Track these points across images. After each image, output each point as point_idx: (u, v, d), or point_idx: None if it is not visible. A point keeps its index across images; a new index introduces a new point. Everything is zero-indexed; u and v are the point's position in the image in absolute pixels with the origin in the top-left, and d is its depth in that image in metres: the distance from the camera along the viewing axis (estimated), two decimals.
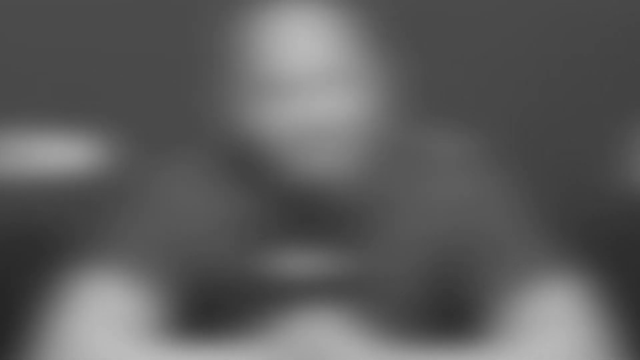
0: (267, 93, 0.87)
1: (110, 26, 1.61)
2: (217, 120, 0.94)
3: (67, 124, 1.63)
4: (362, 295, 0.97)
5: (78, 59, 1.61)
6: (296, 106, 0.87)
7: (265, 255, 0.96)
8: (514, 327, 0.90)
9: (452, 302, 0.99)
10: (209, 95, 0.95)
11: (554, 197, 1.58)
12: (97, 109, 1.63)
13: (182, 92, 1.55)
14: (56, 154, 1.64)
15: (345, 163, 0.89)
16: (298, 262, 0.96)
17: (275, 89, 0.87)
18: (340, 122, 0.87)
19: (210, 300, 0.98)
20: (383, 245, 0.96)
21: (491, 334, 0.92)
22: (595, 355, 0.87)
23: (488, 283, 0.93)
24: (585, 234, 1.57)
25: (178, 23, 1.59)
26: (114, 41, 1.61)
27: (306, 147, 0.87)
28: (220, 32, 0.92)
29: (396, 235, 0.97)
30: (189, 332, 0.97)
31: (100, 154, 1.64)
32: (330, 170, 0.89)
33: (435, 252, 0.97)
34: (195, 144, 1.02)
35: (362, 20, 0.91)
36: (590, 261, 0.99)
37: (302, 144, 0.87)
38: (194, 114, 1.10)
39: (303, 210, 0.94)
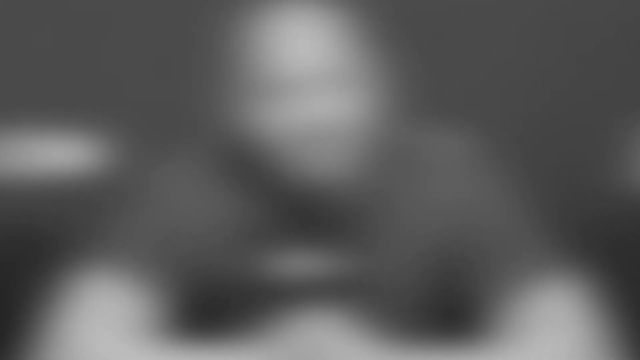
0: (267, 93, 0.87)
1: (110, 26, 1.61)
2: (216, 120, 0.94)
3: (67, 124, 1.63)
4: (362, 296, 0.97)
5: (78, 59, 1.61)
6: (296, 106, 0.87)
7: (265, 255, 0.96)
8: (514, 327, 0.90)
9: (452, 302, 0.99)
10: (208, 95, 0.95)
11: (555, 197, 1.58)
12: (97, 109, 1.63)
13: (182, 92, 1.55)
14: (56, 153, 1.64)
15: (345, 163, 0.89)
16: (298, 262, 0.96)
17: (275, 89, 0.87)
18: (340, 122, 0.87)
19: (210, 301, 0.98)
20: (383, 246, 0.96)
21: (491, 334, 0.92)
22: (596, 356, 0.87)
23: (488, 283, 0.93)
24: (585, 234, 1.57)
25: (178, 23, 1.59)
26: (114, 41, 1.61)
27: (306, 147, 0.87)
28: (220, 32, 0.92)
29: (396, 236, 0.97)
30: (189, 332, 0.97)
31: (100, 153, 1.64)
32: (330, 170, 0.89)
33: (435, 252, 0.97)
34: (195, 144, 1.02)
35: (362, 20, 0.91)
36: (591, 261, 0.99)
37: (302, 144, 0.87)
38: (193, 114, 1.11)
39: (303, 210, 0.95)
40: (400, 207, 0.97)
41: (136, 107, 1.61)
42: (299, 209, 0.94)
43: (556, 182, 1.64)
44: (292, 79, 0.87)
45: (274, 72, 0.87)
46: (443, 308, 1.00)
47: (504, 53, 1.64)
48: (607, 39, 1.65)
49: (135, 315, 0.90)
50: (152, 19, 1.60)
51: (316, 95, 0.87)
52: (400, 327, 0.98)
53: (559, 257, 0.93)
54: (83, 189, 1.64)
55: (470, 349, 0.87)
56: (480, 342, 0.89)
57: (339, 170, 0.89)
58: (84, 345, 0.87)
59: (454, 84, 1.62)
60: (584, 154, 1.67)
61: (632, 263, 1.64)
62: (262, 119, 0.88)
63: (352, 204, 0.95)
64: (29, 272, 1.58)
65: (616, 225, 1.66)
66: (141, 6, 1.60)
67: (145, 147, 1.61)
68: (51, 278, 0.96)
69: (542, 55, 1.65)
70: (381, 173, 0.96)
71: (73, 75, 1.61)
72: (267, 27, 0.88)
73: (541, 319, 0.89)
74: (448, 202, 0.97)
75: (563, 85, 1.65)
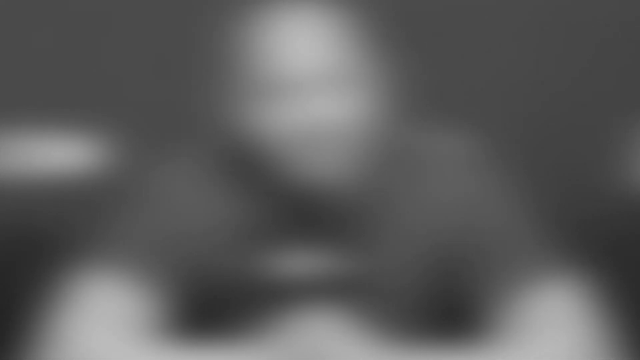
0: (267, 93, 0.87)
1: (110, 26, 1.61)
2: (217, 120, 0.94)
3: (67, 124, 1.63)
4: (362, 296, 0.97)
5: (78, 59, 1.61)
6: (296, 106, 0.87)
7: (265, 255, 0.96)
8: (514, 327, 0.90)
9: (452, 302, 0.99)
10: (208, 95, 0.95)
11: (555, 197, 1.58)
12: (97, 109, 1.63)
13: (182, 93, 1.55)
14: (56, 153, 1.64)
15: (345, 163, 0.89)
16: (298, 262, 0.96)
17: (275, 90, 0.87)
18: (340, 122, 0.87)
19: (210, 300, 0.98)
20: (383, 246, 0.96)
21: (491, 334, 0.92)
22: (596, 356, 0.87)
23: (488, 283, 0.93)
24: (585, 234, 1.57)
25: (178, 23, 1.59)
26: (114, 41, 1.61)
27: (306, 148, 0.87)
28: (220, 32, 0.92)
29: (396, 236, 0.97)
30: (189, 332, 0.97)
31: (100, 153, 1.64)
32: (330, 170, 0.89)
33: (435, 252, 0.97)
34: (195, 144, 1.02)
35: (362, 21, 0.91)
36: (591, 261, 0.99)
37: (302, 144, 0.87)
38: (193, 114, 1.11)
39: (303, 210, 0.95)
40: (400, 207, 0.97)
41: (136, 107, 1.61)
42: (299, 209, 0.94)
43: (556, 182, 1.64)
44: (292, 79, 0.87)
45: (274, 72, 0.87)
46: (443, 308, 1.00)
47: (504, 53, 1.64)
48: (607, 39, 1.65)
49: (135, 315, 0.90)
50: (152, 19, 1.60)
51: (316, 95, 0.87)
52: (400, 327, 0.98)
53: (559, 257, 0.93)
54: (83, 189, 1.64)
55: (470, 349, 0.87)
56: (480, 342, 0.89)
57: (338, 170, 0.89)
58: (83, 345, 0.87)
59: (453, 85, 1.62)
60: (584, 154, 1.67)
61: (632, 263, 1.64)
62: (262, 119, 0.88)
63: (352, 204, 0.95)
64: (29, 272, 1.58)
65: (616, 226, 1.66)
66: (141, 6, 1.60)
67: (145, 147, 1.61)
68: (51, 278, 0.96)
69: (542, 56, 1.65)
70: (381, 173, 0.96)
71: (73, 75, 1.61)
72: (267, 27, 0.88)
73: (541, 319, 0.89)
74: (448, 202, 0.97)
75: (563, 85, 1.65)
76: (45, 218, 1.62)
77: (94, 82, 1.61)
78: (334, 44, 0.88)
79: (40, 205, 1.63)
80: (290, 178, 0.90)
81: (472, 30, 1.63)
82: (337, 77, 0.87)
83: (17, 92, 1.62)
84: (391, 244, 0.96)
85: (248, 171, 0.95)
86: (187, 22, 1.58)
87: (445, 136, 1.01)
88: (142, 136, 1.62)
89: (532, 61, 1.65)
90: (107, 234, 0.95)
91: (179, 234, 0.95)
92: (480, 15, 1.63)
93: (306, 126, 0.87)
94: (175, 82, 1.57)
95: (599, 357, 0.87)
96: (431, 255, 0.97)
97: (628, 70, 1.66)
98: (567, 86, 1.65)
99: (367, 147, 0.91)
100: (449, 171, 0.98)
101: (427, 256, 0.97)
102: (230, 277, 0.97)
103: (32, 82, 1.61)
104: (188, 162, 1.00)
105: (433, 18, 1.61)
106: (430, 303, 0.99)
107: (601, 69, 1.65)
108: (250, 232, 0.96)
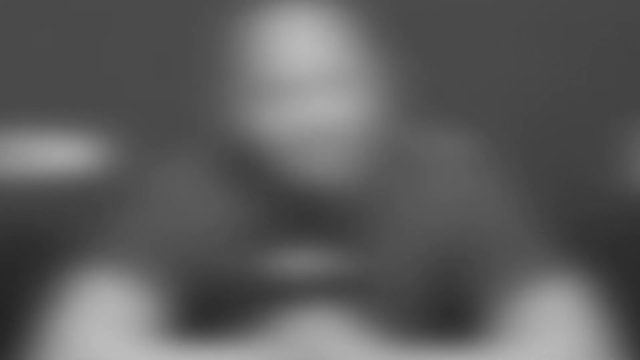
0: (267, 94, 0.87)
1: (110, 26, 1.61)
2: (217, 120, 0.94)
3: (67, 124, 1.63)
4: (362, 296, 0.97)
5: (78, 59, 1.61)
6: (296, 107, 0.87)
7: (265, 255, 0.96)
8: (514, 327, 0.90)
9: (452, 302, 0.99)
10: (208, 96, 0.95)
11: (554, 197, 1.58)
12: (97, 109, 1.63)
13: (182, 93, 1.55)
14: (56, 153, 1.64)
15: (345, 164, 0.89)
16: (298, 262, 0.96)
17: (275, 90, 0.87)
18: (340, 122, 0.87)
19: (210, 300, 0.98)
20: (383, 246, 0.96)
21: (491, 334, 0.92)
22: (596, 356, 0.87)
23: (488, 283, 0.93)
24: (585, 234, 1.57)
25: (178, 23, 1.59)
26: (114, 41, 1.61)
27: (306, 148, 0.87)
28: (220, 32, 0.92)
29: (396, 236, 0.97)
30: (189, 332, 0.97)
31: (100, 153, 1.64)
32: (330, 170, 0.89)
33: (435, 252, 0.97)
34: (195, 144, 1.02)
35: (361, 21, 0.91)
36: (590, 261, 0.99)
37: (302, 145, 0.87)
38: (193, 115, 1.11)
39: (303, 210, 0.95)
40: (400, 207, 0.97)
41: (136, 107, 1.61)
42: (299, 209, 0.94)
43: (556, 182, 1.64)
44: (292, 80, 0.87)
45: (274, 72, 0.87)
46: (443, 308, 1.00)
47: (504, 53, 1.64)
48: (606, 39, 1.65)
49: (136, 315, 0.90)
50: (152, 19, 1.60)
51: (316, 96, 0.87)
52: (400, 327, 0.98)
53: (559, 257, 0.93)
54: (83, 189, 1.64)
55: (470, 349, 0.87)
56: (480, 342, 0.89)
57: (338, 170, 0.89)
58: (84, 345, 0.87)
59: (453, 85, 1.62)
60: (584, 154, 1.67)
61: (632, 263, 1.64)
62: (263, 119, 0.88)
63: (352, 204, 0.95)
64: (29, 272, 1.58)
65: (616, 226, 1.66)
66: (141, 6, 1.60)
67: (145, 147, 1.61)
68: (51, 278, 0.96)
69: (542, 56, 1.65)
70: (381, 173, 0.96)
71: (73, 75, 1.61)
72: (267, 27, 0.88)
73: (541, 319, 0.89)
74: (448, 202, 0.97)
75: (562, 85, 1.65)
76: (45, 218, 1.62)
77: (94, 82, 1.61)
78: (334, 44, 0.88)
79: (40, 206, 1.63)
80: (290, 178, 0.90)
81: (472, 30, 1.63)
82: (337, 77, 0.87)
83: (17, 92, 1.62)
84: (391, 243, 0.96)
85: (248, 171, 0.95)
86: (187, 23, 1.58)
87: (445, 136, 1.01)
88: (142, 136, 1.62)
89: (532, 61, 1.65)
90: (107, 234, 0.95)
91: (179, 234, 0.95)
92: (480, 16, 1.63)
93: (306, 126, 0.87)
94: (176, 82, 1.57)
95: (599, 357, 0.87)
96: (431, 255, 0.97)
97: (627, 70, 1.66)
98: (566, 86, 1.65)
99: (367, 148, 0.91)
100: (449, 171, 0.98)
101: (427, 256, 0.97)
102: (231, 277, 0.97)
103: (32, 82, 1.61)
104: (188, 162, 1.00)
105: (433, 18, 1.61)
106: (430, 303, 1.00)
107: (600, 69, 1.65)
108: (250, 232, 0.96)
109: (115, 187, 1.61)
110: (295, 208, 0.94)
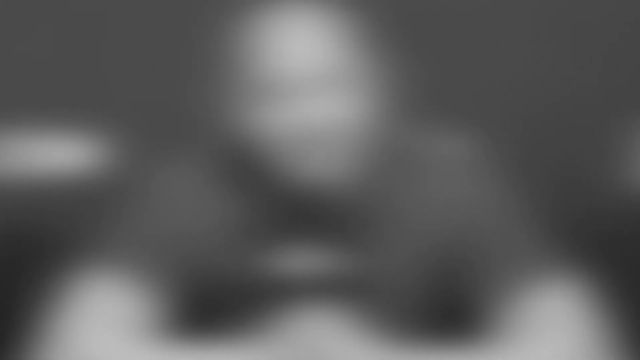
0: (266, 94, 0.87)
1: (110, 27, 1.61)
2: (216, 121, 0.94)
3: (67, 124, 1.63)
4: (362, 295, 0.97)
5: (78, 59, 1.61)
6: (296, 107, 0.87)
7: (265, 255, 0.96)
8: (514, 327, 0.90)
9: (452, 302, 0.99)
10: (208, 96, 0.95)
11: (554, 197, 1.58)
12: (97, 109, 1.63)
13: (181, 93, 1.55)
14: (56, 153, 1.64)
15: (344, 164, 0.89)
16: (297, 261, 0.96)
17: (274, 91, 0.87)
18: (339, 123, 0.87)
19: (210, 300, 0.98)
20: (383, 246, 0.96)
21: (491, 334, 0.92)
22: (596, 356, 0.87)
23: (488, 283, 0.93)
24: (585, 234, 1.57)
25: (178, 24, 1.59)
26: (114, 42, 1.60)
27: (305, 148, 0.87)
28: (220, 33, 0.92)
29: (395, 236, 0.97)
30: (189, 331, 0.97)
31: (100, 154, 1.64)
32: (330, 171, 0.89)
33: (435, 252, 0.97)
34: (195, 144, 1.02)
35: (361, 21, 0.91)
36: (590, 261, 0.99)
37: (302, 145, 0.87)
38: (193, 115, 1.10)
39: (303, 210, 0.95)
40: (400, 207, 0.97)
41: (135, 108, 1.61)
42: (299, 209, 0.94)
43: (556, 183, 1.64)
44: (291, 81, 0.87)
45: (274, 73, 0.87)
46: (443, 308, 1.00)
47: (504, 54, 1.64)
48: (606, 39, 1.65)
49: (136, 315, 0.90)
50: (152, 20, 1.60)
51: (316, 96, 0.87)
52: (400, 327, 0.98)
53: (559, 257, 0.93)
54: (83, 189, 1.64)
55: (470, 349, 0.87)
56: (480, 342, 0.89)
57: (338, 170, 0.89)
58: (84, 345, 0.87)
59: (453, 85, 1.62)
60: (584, 154, 1.67)
61: (632, 263, 1.64)
62: (263, 120, 0.88)
63: (352, 204, 0.95)
64: (29, 273, 1.58)
65: (616, 226, 1.66)
66: (141, 7, 1.60)
67: (144, 148, 1.61)
68: (51, 278, 0.96)
69: (542, 56, 1.65)
70: (380, 173, 0.96)
71: (73, 75, 1.61)
72: (267, 28, 0.88)
73: (541, 319, 0.89)
74: (448, 202, 0.97)
75: (562, 85, 1.65)
76: (45, 218, 1.62)
77: (93, 82, 1.61)
78: (333, 44, 0.88)
79: (40, 206, 1.63)
80: (289, 178, 0.90)
81: (472, 30, 1.63)
82: (337, 77, 0.87)
83: (17, 92, 1.62)
84: (391, 243, 0.96)
85: (248, 171, 0.95)
86: (186, 24, 1.58)
87: (445, 136, 1.01)
88: (141, 136, 1.62)
89: (531, 61, 1.65)
90: (107, 234, 0.95)
91: (179, 234, 0.95)
92: (480, 16, 1.63)
93: (306, 126, 0.87)
94: (175, 82, 1.57)
95: (599, 357, 0.87)
96: (431, 255, 0.97)
97: (627, 70, 1.66)
98: (566, 86, 1.65)
99: (366, 148, 0.91)
100: (449, 171, 0.98)
101: (426, 256, 0.97)
102: (231, 277, 0.97)
103: (32, 82, 1.61)
104: (188, 162, 1.00)
105: (433, 18, 1.61)
106: (430, 303, 1.00)
107: (600, 69, 1.65)
108: (250, 232, 0.96)
109: (115, 187, 1.61)
110: (295, 208, 0.94)
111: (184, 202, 0.97)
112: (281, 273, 0.96)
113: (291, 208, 0.95)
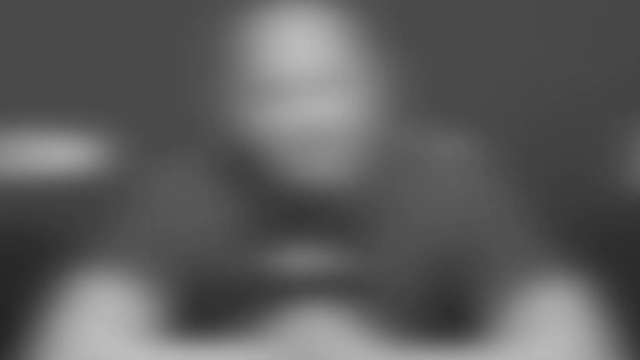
0: (266, 94, 0.87)
1: (110, 27, 1.61)
2: (216, 121, 0.94)
3: (67, 124, 1.63)
4: (362, 295, 0.97)
5: (78, 59, 1.61)
6: (295, 108, 0.87)
7: (265, 255, 0.96)
8: (514, 327, 0.90)
9: (452, 302, 0.99)
10: (207, 96, 0.95)
11: (554, 197, 1.58)
12: (97, 110, 1.63)
13: (181, 94, 1.55)
14: (56, 153, 1.64)
15: (344, 164, 0.89)
16: (297, 261, 0.96)
17: (274, 91, 0.87)
18: (339, 123, 0.88)
19: (210, 300, 0.98)
20: (382, 246, 0.96)
21: (491, 334, 0.92)
22: (596, 356, 0.87)
23: (488, 283, 0.93)
24: (584, 234, 1.57)
25: (178, 24, 1.59)
26: (114, 42, 1.61)
27: (305, 149, 0.87)
28: (220, 33, 0.92)
29: (395, 236, 0.97)
30: (189, 331, 0.97)
31: (100, 154, 1.65)
32: (329, 171, 0.89)
33: (435, 252, 0.97)
34: (195, 144, 1.02)
35: (360, 22, 0.91)
36: (590, 261, 0.99)
37: (301, 145, 0.87)
38: (193, 115, 1.11)
39: (302, 210, 0.95)
40: (399, 207, 0.97)
41: (135, 108, 1.61)
42: (298, 209, 0.94)
43: (556, 183, 1.64)
44: (291, 81, 0.87)
45: (274, 74, 0.87)
46: (443, 308, 1.00)
47: (504, 54, 1.64)
48: (607, 39, 1.65)
49: (135, 315, 0.90)
50: (152, 20, 1.60)
51: (316, 96, 0.87)
52: (400, 327, 0.99)
53: (559, 257, 0.93)
54: (83, 189, 1.64)
55: (470, 349, 0.87)
56: (480, 342, 0.89)
57: (338, 170, 0.89)
58: (83, 345, 0.87)
59: (453, 85, 1.62)
60: (584, 154, 1.67)
61: (632, 263, 1.64)
62: (262, 120, 0.88)
63: (352, 203, 0.96)
64: (29, 273, 1.58)
65: (616, 226, 1.66)
66: (141, 7, 1.60)
67: (144, 148, 1.61)
68: (51, 278, 0.96)
69: (542, 56, 1.65)
70: (380, 173, 0.97)
71: (73, 75, 1.61)
72: (267, 28, 0.88)
73: (541, 319, 0.89)
74: (447, 202, 0.97)
75: (562, 85, 1.65)
76: (45, 219, 1.62)
77: (93, 82, 1.61)
78: (333, 44, 0.88)
79: (40, 206, 1.63)
80: (289, 178, 0.90)
81: (472, 30, 1.63)
82: (337, 77, 0.87)
83: (17, 92, 1.62)
84: (391, 243, 0.97)
85: (247, 171, 0.95)
86: (186, 24, 1.58)
87: (445, 136, 1.01)
88: (141, 136, 1.62)
89: (531, 61, 1.65)
90: (107, 234, 0.95)
91: (178, 234, 0.95)
92: (480, 16, 1.63)
93: (306, 126, 0.87)
94: (175, 83, 1.57)
95: (599, 357, 0.87)
96: (431, 255, 0.97)
97: (627, 70, 1.66)
98: (566, 86, 1.65)
99: (366, 148, 0.91)
100: (449, 171, 0.98)
101: (426, 256, 0.97)
102: (230, 277, 0.97)
103: (32, 82, 1.61)
104: (188, 162, 1.00)
105: (432, 18, 1.61)
106: (430, 303, 1.00)
107: (601, 69, 1.65)
108: (249, 231, 0.96)
109: (115, 187, 1.61)
110: (294, 208, 0.95)
111: (183, 202, 0.97)
112: (281, 273, 0.96)
113: (291, 208, 0.95)
